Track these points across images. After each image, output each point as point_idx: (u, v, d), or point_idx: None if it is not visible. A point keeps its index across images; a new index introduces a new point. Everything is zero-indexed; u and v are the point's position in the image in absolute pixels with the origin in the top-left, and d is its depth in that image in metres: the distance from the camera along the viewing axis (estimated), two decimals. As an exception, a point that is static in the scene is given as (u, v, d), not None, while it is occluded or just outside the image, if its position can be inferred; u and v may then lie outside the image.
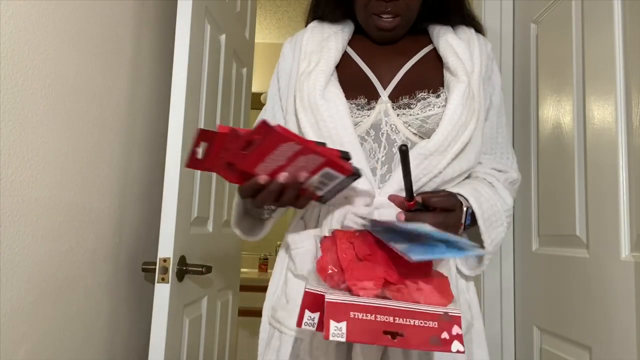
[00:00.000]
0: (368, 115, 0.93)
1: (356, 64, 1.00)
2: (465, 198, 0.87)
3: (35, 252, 0.99)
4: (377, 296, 0.66)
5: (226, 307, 1.86)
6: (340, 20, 1.06)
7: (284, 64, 1.06)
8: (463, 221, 0.86)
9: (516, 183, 1.04)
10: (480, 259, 0.92)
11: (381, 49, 1.02)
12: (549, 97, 1.41)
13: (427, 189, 0.89)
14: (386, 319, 0.62)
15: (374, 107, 0.94)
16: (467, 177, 0.98)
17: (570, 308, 1.25)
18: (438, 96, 0.93)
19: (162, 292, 1.26)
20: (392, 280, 0.67)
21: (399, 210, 0.81)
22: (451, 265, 0.93)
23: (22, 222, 0.95)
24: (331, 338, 0.60)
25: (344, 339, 0.60)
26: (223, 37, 1.68)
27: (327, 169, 0.74)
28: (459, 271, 0.94)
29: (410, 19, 0.98)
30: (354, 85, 0.95)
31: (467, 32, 1.02)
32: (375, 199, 0.87)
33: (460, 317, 0.63)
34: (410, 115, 0.92)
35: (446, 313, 0.63)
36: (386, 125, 0.92)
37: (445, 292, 0.68)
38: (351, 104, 0.93)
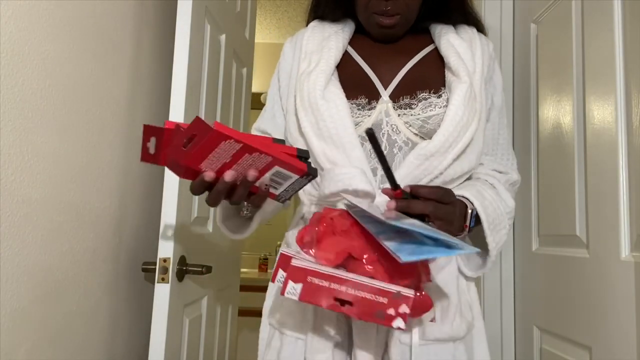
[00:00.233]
0: (369, 115, 0.93)
1: (357, 63, 0.99)
2: (470, 201, 0.87)
3: (35, 252, 0.99)
4: (338, 267, 0.72)
5: (226, 307, 1.86)
6: (341, 20, 1.06)
7: (285, 63, 1.06)
8: (468, 223, 0.85)
9: (516, 184, 1.04)
10: (483, 260, 0.92)
11: (382, 48, 1.01)
12: (549, 97, 1.41)
13: None
14: (339, 287, 0.68)
15: (375, 107, 0.93)
16: (468, 179, 0.98)
17: (570, 308, 1.25)
18: (439, 96, 0.92)
19: (162, 292, 1.26)
20: (356, 255, 0.72)
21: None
22: (453, 265, 0.92)
23: (22, 222, 0.95)
24: (286, 295, 0.70)
25: (296, 298, 0.69)
26: (223, 37, 1.68)
27: (278, 168, 0.74)
28: (460, 272, 0.94)
29: (411, 17, 0.98)
30: (354, 85, 0.95)
31: (469, 32, 1.02)
32: (376, 199, 0.87)
33: (411, 298, 0.66)
34: (411, 115, 0.92)
35: (399, 292, 0.66)
36: (387, 126, 0.92)
37: (408, 274, 0.69)
38: (352, 103, 0.93)
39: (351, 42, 1.03)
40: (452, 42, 0.98)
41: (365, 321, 0.73)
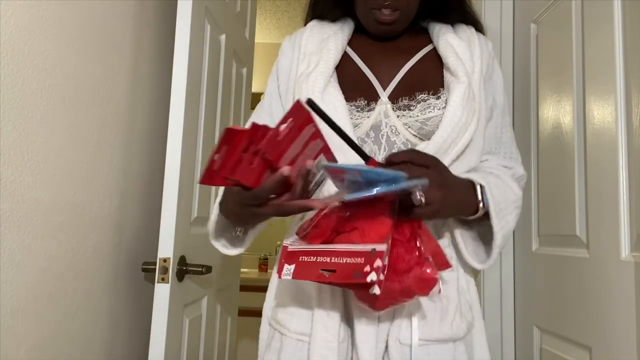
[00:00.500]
0: (368, 117, 0.92)
1: (356, 64, 0.99)
2: (474, 182, 0.87)
3: (35, 252, 0.99)
4: (325, 242, 0.75)
5: (226, 307, 1.86)
6: (340, 19, 1.05)
7: (284, 62, 1.05)
8: (481, 199, 0.85)
9: (522, 179, 1.03)
10: (487, 250, 0.91)
11: (381, 48, 1.01)
12: (549, 97, 1.41)
13: None
14: (324, 259, 0.73)
15: (374, 108, 0.93)
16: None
17: (570, 308, 1.25)
18: (438, 97, 0.92)
19: (162, 292, 1.26)
20: (340, 229, 0.75)
21: None
22: (455, 265, 0.92)
23: (22, 222, 0.95)
24: (282, 277, 0.75)
25: (290, 277, 0.74)
26: (223, 37, 1.68)
27: (322, 157, 0.75)
28: (460, 271, 0.94)
29: (410, 14, 0.97)
30: (353, 87, 0.95)
31: (467, 32, 1.02)
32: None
33: (383, 251, 0.68)
34: (410, 117, 0.92)
35: (373, 249, 0.69)
36: (386, 127, 0.92)
37: (382, 232, 0.71)
38: (351, 105, 0.93)
39: (350, 43, 1.03)
40: (451, 42, 0.97)
41: (347, 285, 0.76)
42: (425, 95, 0.92)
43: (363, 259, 0.69)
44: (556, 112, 1.37)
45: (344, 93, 0.92)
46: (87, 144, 1.17)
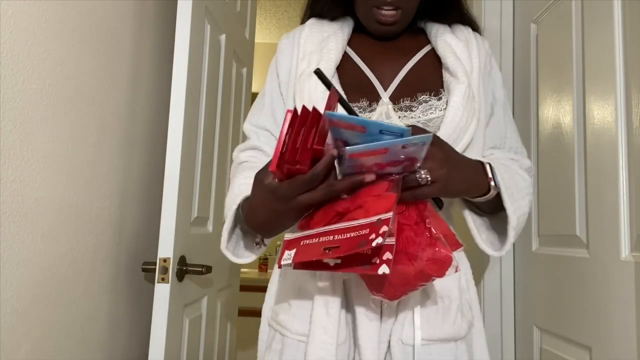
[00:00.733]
0: (369, 117, 0.93)
1: (356, 65, 0.99)
2: (487, 162, 0.87)
3: (35, 252, 0.99)
4: (327, 224, 0.72)
5: (226, 307, 1.86)
6: (339, 18, 1.05)
7: (283, 59, 1.04)
8: (491, 176, 0.85)
9: (530, 170, 1.03)
10: (502, 241, 0.90)
11: (381, 48, 1.01)
12: (549, 97, 1.41)
13: None
14: (327, 238, 0.69)
15: (375, 108, 0.93)
16: None
17: (570, 308, 1.25)
18: (439, 99, 0.92)
19: (162, 292, 1.26)
20: (343, 210, 0.72)
21: None
22: (458, 265, 0.92)
23: (22, 222, 0.95)
24: (282, 263, 0.71)
25: (290, 261, 0.70)
26: (223, 37, 1.68)
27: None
28: (461, 272, 0.94)
29: (411, 14, 0.97)
30: (354, 87, 0.95)
31: (465, 32, 1.02)
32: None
33: (389, 218, 0.65)
34: (412, 117, 0.92)
35: (379, 219, 0.66)
36: None
37: (387, 205, 0.69)
38: (353, 106, 0.93)
39: (350, 42, 1.02)
40: (449, 42, 0.98)
41: (352, 267, 0.71)
42: (426, 97, 0.93)
43: (368, 229, 0.66)
44: (556, 112, 1.37)
45: (345, 94, 0.92)
46: (87, 144, 1.17)
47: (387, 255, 0.66)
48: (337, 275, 0.85)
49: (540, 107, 1.47)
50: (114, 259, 1.32)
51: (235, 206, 0.89)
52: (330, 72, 0.94)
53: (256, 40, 2.40)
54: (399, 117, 0.92)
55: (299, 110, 0.68)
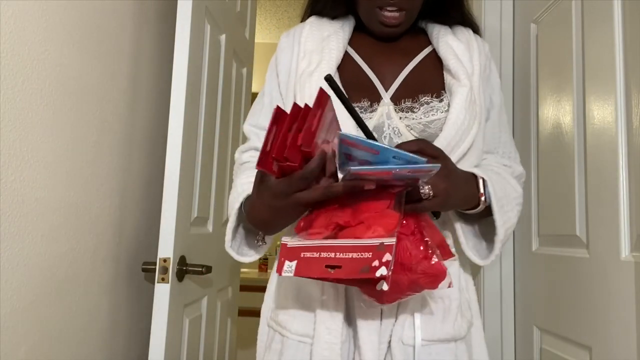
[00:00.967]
0: (370, 118, 0.92)
1: (358, 65, 0.98)
2: (480, 176, 0.87)
3: (35, 252, 0.99)
4: (328, 237, 0.73)
5: (226, 307, 1.86)
6: (340, 17, 1.04)
7: (283, 58, 1.03)
8: (482, 191, 0.85)
9: (522, 177, 1.03)
10: (490, 248, 0.91)
11: (382, 48, 1.00)
12: (549, 97, 1.41)
13: None
14: (328, 255, 0.70)
15: (376, 109, 0.93)
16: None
17: (570, 308, 1.25)
18: (441, 100, 0.92)
19: (162, 292, 1.26)
20: (343, 223, 0.72)
21: None
22: (455, 264, 0.92)
23: (22, 222, 0.95)
24: (283, 274, 0.71)
25: (292, 274, 0.71)
26: (223, 37, 1.68)
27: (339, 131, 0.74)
28: (461, 271, 0.94)
29: (414, 15, 0.97)
30: (355, 88, 0.94)
31: (466, 33, 1.02)
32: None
33: (392, 245, 0.66)
34: (413, 119, 0.91)
35: (382, 243, 0.67)
36: (389, 128, 0.91)
37: (390, 226, 0.70)
38: (354, 107, 0.92)
39: (351, 42, 1.02)
40: (451, 43, 0.98)
41: (353, 280, 0.73)
42: (428, 98, 0.92)
43: (371, 253, 0.67)
44: (556, 112, 1.37)
45: (346, 94, 0.92)
46: (87, 144, 1.17)
47: (387, 257, 0.67)
48: None
49: (540, 107, 1.47)
50: (114, 259, 1.32)
51: (237, 204, 0.89)
52: (331, 72, 0.94)
53: (256, 40, 2.40)
54: (400, 118, 0.92)
55: (289, 108, 0.69)
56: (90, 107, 1.18)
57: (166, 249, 1.27)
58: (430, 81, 0.96)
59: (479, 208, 0.87)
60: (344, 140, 0.68)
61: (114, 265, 1.32)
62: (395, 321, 0.85)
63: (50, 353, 1.06)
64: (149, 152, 1.50)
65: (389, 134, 0.91)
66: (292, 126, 0.68)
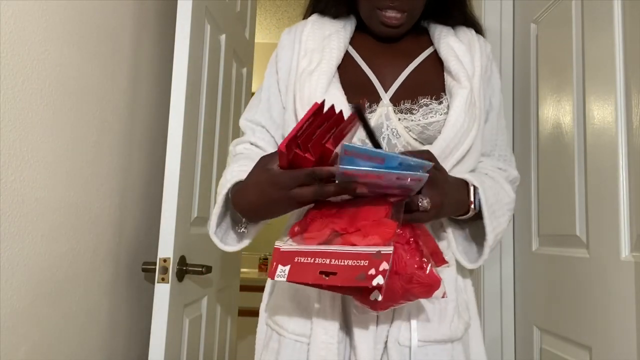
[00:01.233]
0: (369, 119, 0.92)
1: (358, 65, 0.98)
2: (468, 182, 0.87)
3: (35, 252, 0.99)
4: (322, 243, 0.72)
5: (226, 307, 1.86)
6: (342, 16, 1.04)
7: (284, 54, 1.03)
8: (473, 199, 0.86)
9: (516, 182, 1.04)
10: (479, 251, 0.91)
11: (383, 49, 1.00)
12: (549, 97, 1.41)
13: None
14: (323, 261, 0.69)
15: (375, 110, 0.93)
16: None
17: (570, 308, 1.25)
18: (440, 102, 0.92)
19: (162, 292, 1.26)
20: (340, 230, 0.72)
21: None
22: (452, 264, 0.92)
23: (22, 222, 0.95)
24: (276, 278, 0.72)
25: (284, 279, 0.71)
26: (223, 37, 1.68)
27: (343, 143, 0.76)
28: (458, 272, 0.94)
29: (415, 16, 0.97)
30: (355, 88, 0.94)
31: (468, 34, 1.02)
32: None
33: (390, 254, 0.65)
34: (412, 121, 0.91)
35: (378, 252, 0.66)
36: (387, 129, 0.91)
37: (386, 235, 0.69)
38: (353, 107, 0.92)
39: (352, 41, 1.02)
40: (452, 45, 0.97)
41: (348, 288, 0.72)
42: (427, 100, 0.92)
43: (367, 261, 0.66)
44: (556, 112, 1.37)
45: (346, 94, 0.92)
46: (87, 144, 1.17)
47: (384, 266, 0.66)
48: None
49: (540, 107, 1.47)
50: (114, 259, 1.32)
51: (225, 190, 0.89)
52: (331, 72, 0.94)
53: (256, 40, 2.41)
54: (399, 119, 0.92)
55: (326, 107, 0.71)
56: (90, 107, 1.18)
57: (166, 249, 1.27)
58: (430, 83, 0.95)
59: (467, 215, 0.87)
60: (348, 151, 0.68)
61: (114, 265, 1.32)
62: (392, 322, 0.85)
63: (50, 353, 1.06)
64: (149, 152, 1.50)
65: (388, 134, 0.91)
66: (322, 124, 0.70)
